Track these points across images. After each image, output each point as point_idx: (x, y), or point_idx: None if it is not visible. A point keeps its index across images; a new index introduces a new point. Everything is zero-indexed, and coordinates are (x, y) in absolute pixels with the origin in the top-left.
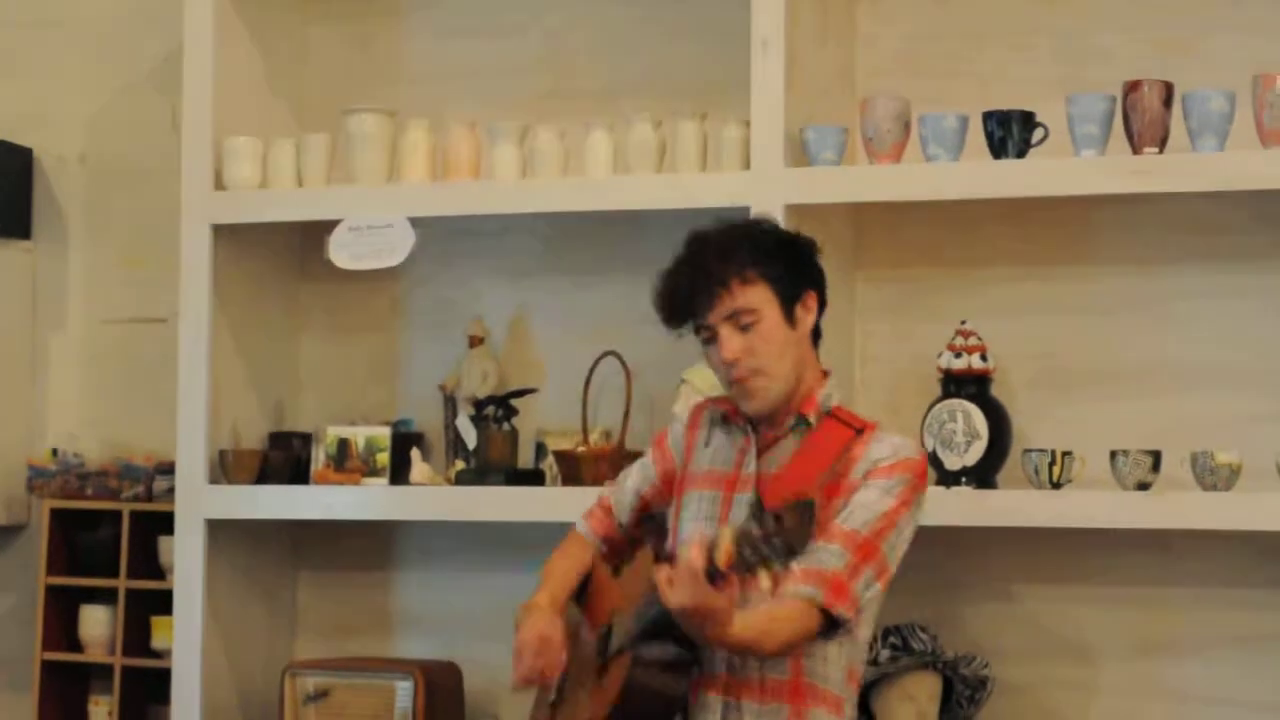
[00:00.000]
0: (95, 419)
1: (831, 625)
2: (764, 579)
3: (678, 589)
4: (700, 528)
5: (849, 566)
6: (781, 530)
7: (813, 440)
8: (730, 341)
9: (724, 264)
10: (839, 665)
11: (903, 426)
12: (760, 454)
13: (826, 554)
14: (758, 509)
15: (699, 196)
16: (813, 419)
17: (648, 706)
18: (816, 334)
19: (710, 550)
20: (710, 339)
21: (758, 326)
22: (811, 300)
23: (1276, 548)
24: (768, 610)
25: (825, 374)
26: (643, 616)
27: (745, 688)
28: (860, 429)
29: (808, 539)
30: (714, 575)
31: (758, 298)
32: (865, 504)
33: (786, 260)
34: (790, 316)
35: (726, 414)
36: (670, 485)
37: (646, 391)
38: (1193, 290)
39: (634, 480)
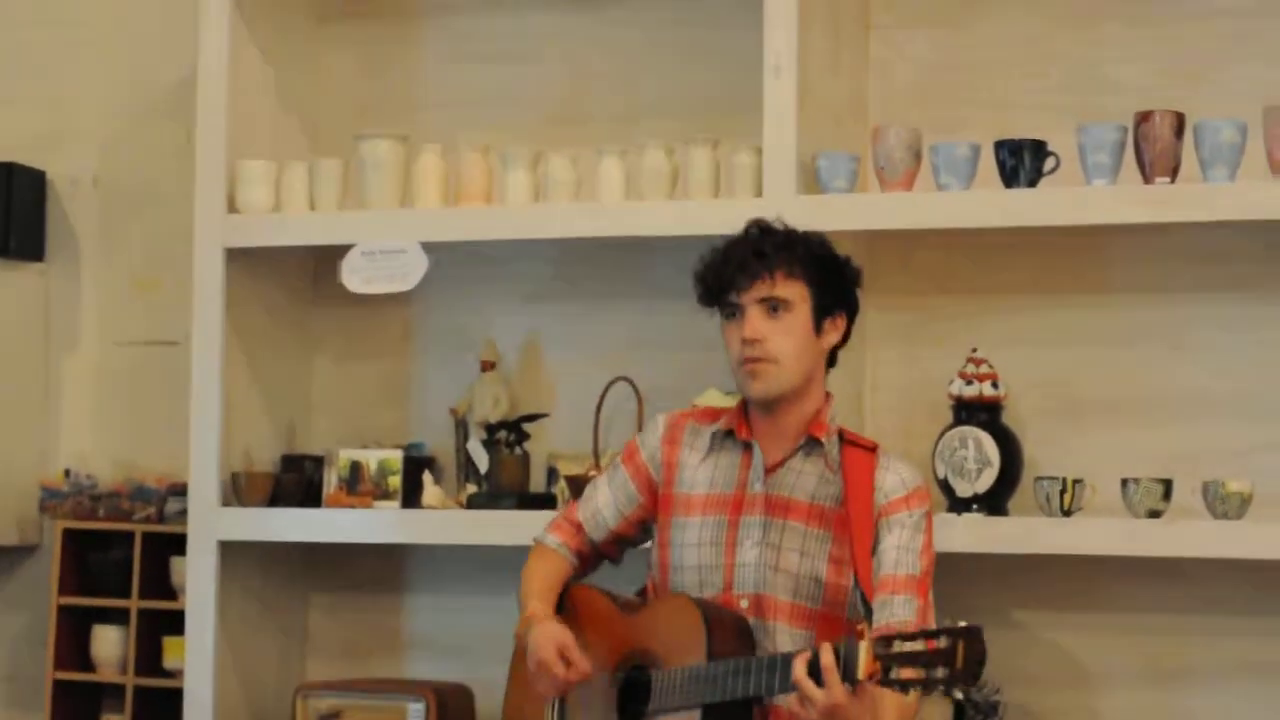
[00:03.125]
0: (108, 440)
1: None
2: (912, 696)
3: (815, 701)
4: (706, 553)
5: (919, 612)
6: (951, 658)
7: (850, 472)
8: (756, 321)
9: (776, 252)
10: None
11: (914, 453)
12: (767, 474)
13: (901, 607)
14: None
15: (711, 223)
16: (824, 440)
17: None
18: (832, 361)
19: (841, 658)
20: (735, 317)
21: (786, 317)
22: (841, 321)
23: None
24: (895, 701)
25: (829, 395)
26: (713, 686)
27: (774, 717)
28: (873, 449)
29: (978, 672)
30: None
31: (795, 294)
32: (904, 546)
33: (832, 275)
34: (818, 325)
35: (732, 430)
36: (654, 501)
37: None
38: (1203, 319)
39: (610, 498)
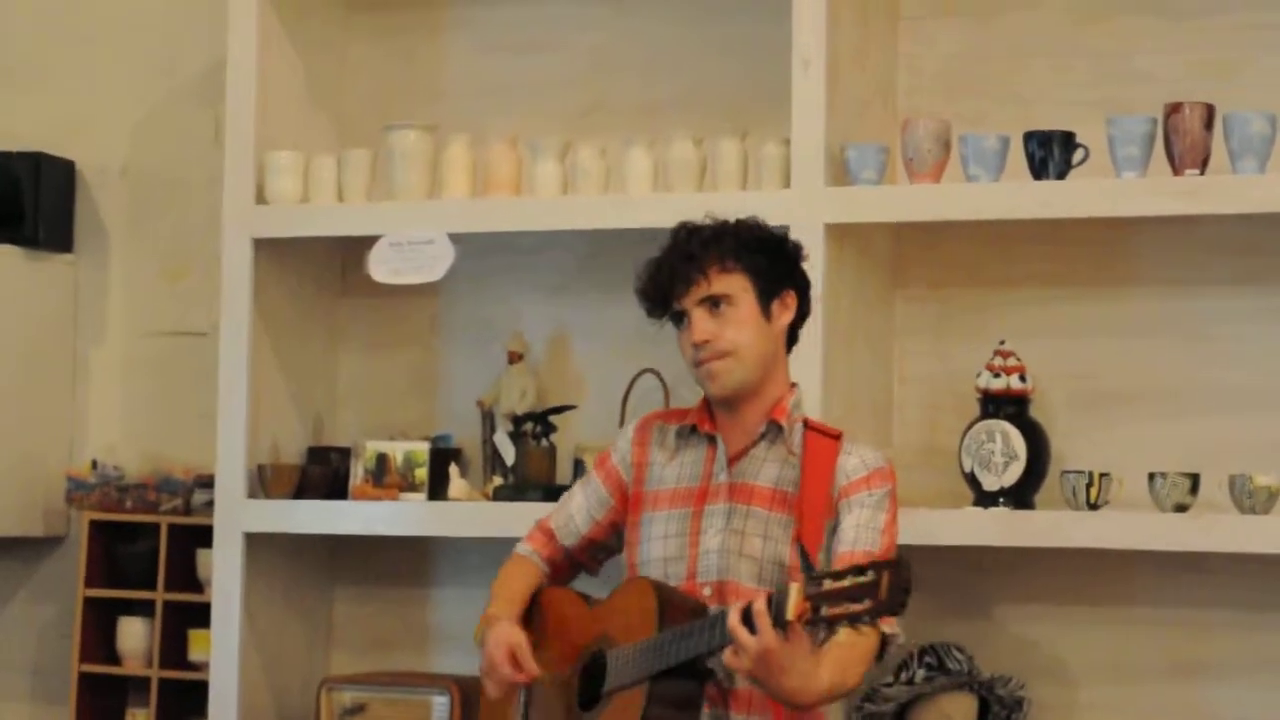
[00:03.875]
0: (135, 432)
1: (882, 644)
2: (842, 634)
3: (746, 646)
4: (671, 545)
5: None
6: (875, 589)
7: (810, 456)
8: (701, 323)
9: (705, 251)
10: None
11: (940, 447)
12: (731, 463)
13: None
14: (816, 565)
15: (739, 214)
16: (785, 425)
17: None
18: (792, 339)
19: (773, 603)
20: (683, 323)
21: (731, 312)
22: (790, 299)
23: None
24: (838, 650)
25: (793, 385)
26: (660, 654)
27: (734, 699)
28: (837, 436)
29: (904, 601)
30: (779, 627)
31: (735, 285)
32: (864, 524)
33: (770, 256)
34: (766, 310)
35: (694, 426)
36: (625, 504)
37: (689, 407)
38: (1232, 312)
39: (582, 504)
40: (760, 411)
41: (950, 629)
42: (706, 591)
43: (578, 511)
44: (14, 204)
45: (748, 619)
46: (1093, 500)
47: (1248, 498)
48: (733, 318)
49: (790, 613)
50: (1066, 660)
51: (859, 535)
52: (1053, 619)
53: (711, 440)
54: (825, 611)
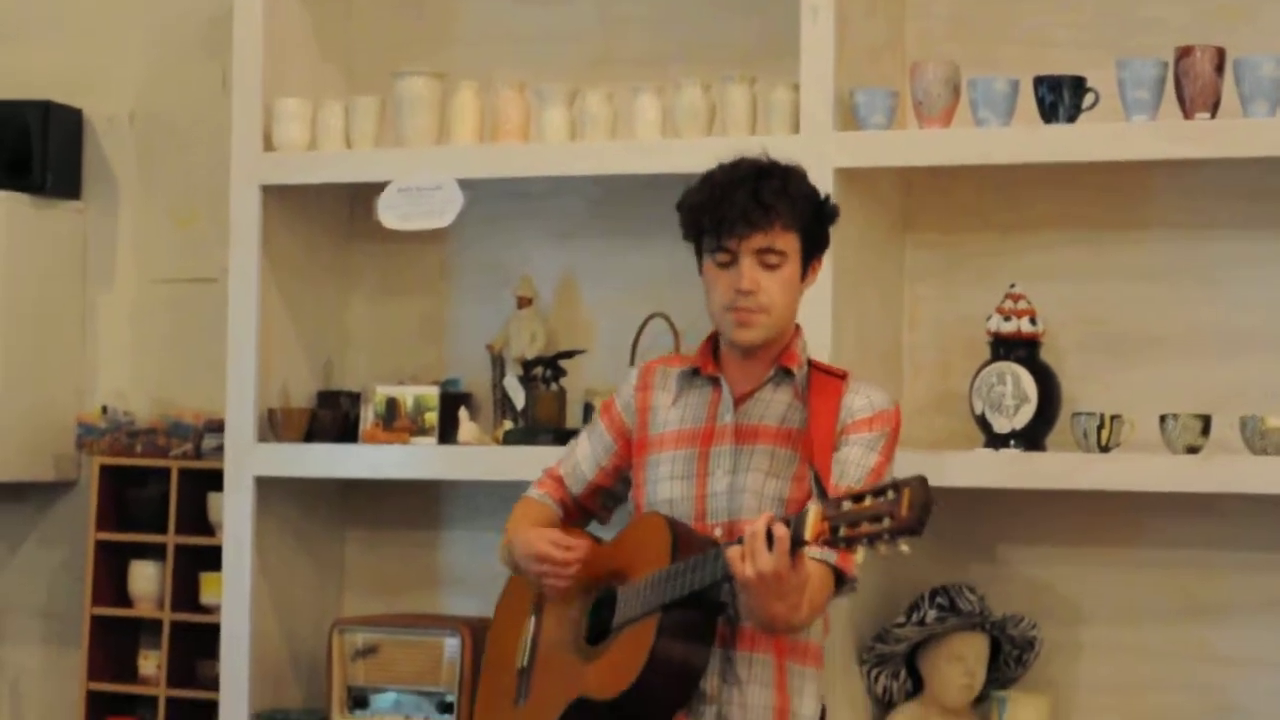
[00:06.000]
0: (144, 377)
1: (838, 583)
2: (860, 555)
3: (759, 557)
4: (678, 487)
5: None
6: (895, 507)
7: (816, 393)
8: (751, 272)
9: (777, 202)
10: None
11: (951, 390)
12: (736, 405)
13: None
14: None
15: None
16: (795, 371)
17: (672, 676)
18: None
19: (792, 524)
20: (728, 264)
21: (780, 270)
22: (819, 264)
23: None
24: (809, 585)
25: (798, 328)
26: (671, 585)
27: (740, 638)
28: (843, 375)
29: (924, 519)
30: (795, 548)
31: (791, 245)
32: (854, 461)
33: (820, 221)
34: (804, 272)
35: (697, 369)
36: (629, 449)
37: (694, 352)
38: (1243, 255)
39: (588, 450)
40: (769, 356)
41: (962, 570)
42: (718, 532)
43: (584, 459)
44: (23, 152)
45: (768, 535)
46: (1104, 442)
47: (1259, 439)
48: (780, 276)
49: (808, 534)
50: (1078, 601)
51: (846, 470)
52: (1064, 560)
53: (715, 383)
54: (843, 533)
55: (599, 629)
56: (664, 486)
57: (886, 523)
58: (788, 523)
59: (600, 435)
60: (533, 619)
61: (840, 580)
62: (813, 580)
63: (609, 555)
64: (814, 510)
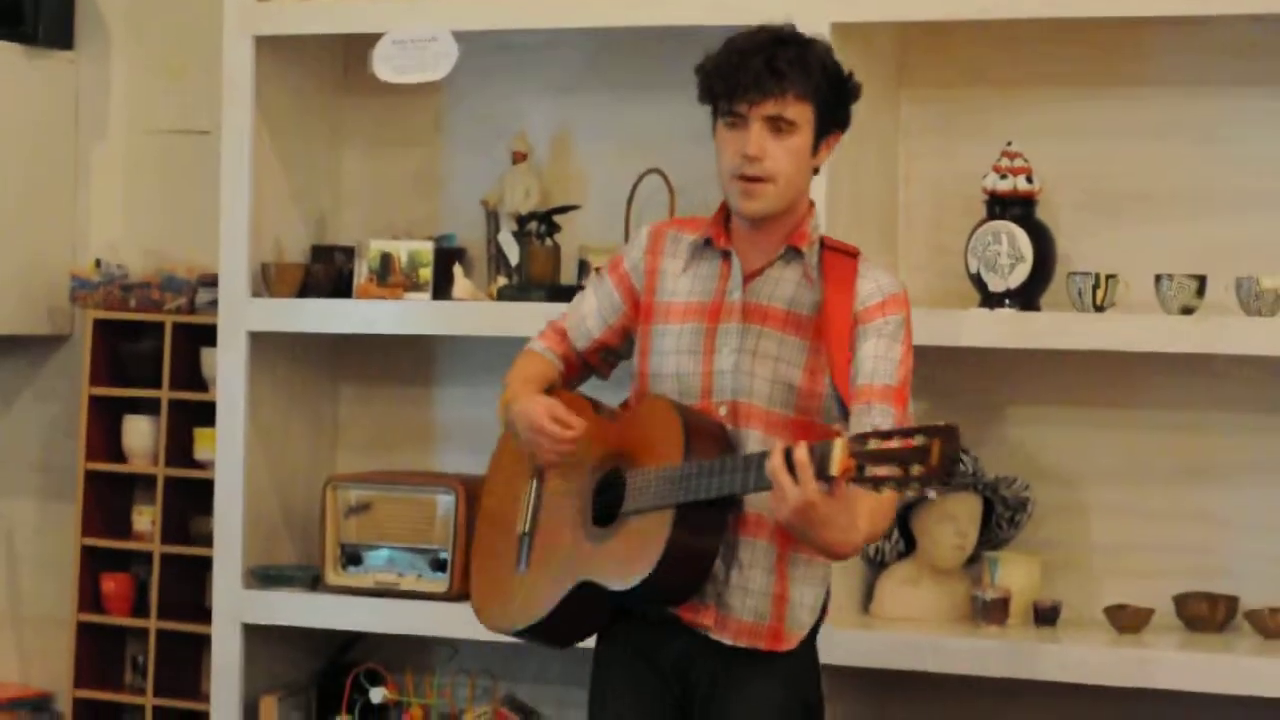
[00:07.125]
0: (137, 230)
1: None
2: (887, 499)
3: (788, 493)
4: (684, 361)
5: (896, 422)
6: (925, 455)
7: (830, 276)
8: (759, 138)
9: (791, 70)
10: None
11: (946, 247)
12: (746, 282)
13: (880, 416)
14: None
15: (745, 13)
16: (805, 250)
17: (685, 570)
18: (816, 171)
19: (816, 455)
20: (737, 126)
21: (789, 139)
22: (834, 141)
23: None
24: (870, 499)
25: (811, 205)
26: (690, 486)
27: (742, 524)
28: (855, 255)
29: (953, 471)
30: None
31: (803, 115)
32: (881, 355)
33: (838, 96)
34: (816, 146)
35: (710, 239)
36: (637, 311)
37: (689, 209)
38: (1242, 114)
39: (595, 307)
40: (780, 233)
41: None
42: (722, 411)
43: (590, 314)
44: (15, 1)
45: (789, 465)
46: (1099, 302)
47: (1254, 300)
48: (789, 146)
49: (835, 469)
50: (1071, 462)
51: (877, 368)
52: (1058, 421)
53: (726, 256)
54: (870, 472)
55: (605, 510)
56: (670, 360)
57: (916, 470)
58: (813, 450)
59: (608, 293)
60: (534, 484)
61: None
62: (865, 499)
63: (615, 433)
64: (839, 445)
